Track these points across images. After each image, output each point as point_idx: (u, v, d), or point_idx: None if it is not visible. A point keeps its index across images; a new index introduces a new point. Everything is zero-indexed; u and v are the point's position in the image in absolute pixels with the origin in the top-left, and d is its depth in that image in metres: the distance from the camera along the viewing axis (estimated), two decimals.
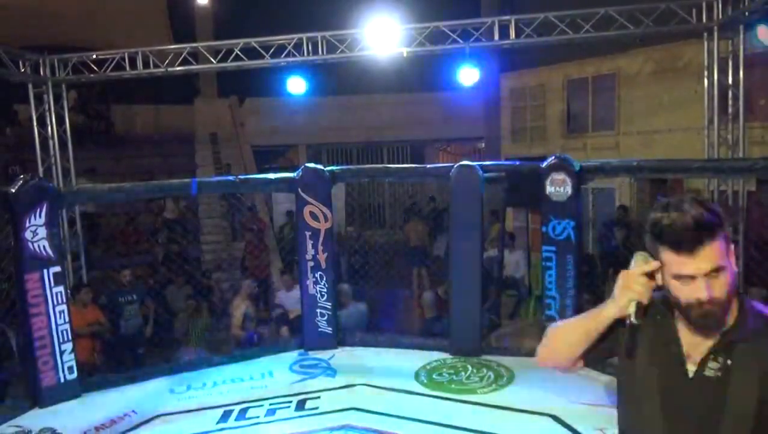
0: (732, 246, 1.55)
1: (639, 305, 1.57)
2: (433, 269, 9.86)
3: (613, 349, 1.70)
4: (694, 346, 1.56)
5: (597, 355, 1.73)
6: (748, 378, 1.49)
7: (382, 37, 7.46)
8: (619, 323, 1.62)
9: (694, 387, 1.55)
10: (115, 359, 7.27)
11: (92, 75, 7.93)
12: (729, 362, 1.51)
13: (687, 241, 1.47)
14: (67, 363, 5.03)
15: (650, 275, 1.57)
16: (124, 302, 7.44)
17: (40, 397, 4.93)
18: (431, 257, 10.63)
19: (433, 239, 11.30)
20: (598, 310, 1.66)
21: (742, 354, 1.51)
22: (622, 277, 1.60)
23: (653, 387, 1.61)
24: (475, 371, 5.28)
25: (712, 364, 1.53)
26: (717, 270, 1.48)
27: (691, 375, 1.56)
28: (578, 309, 5.58)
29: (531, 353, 5.38)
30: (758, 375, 1.48)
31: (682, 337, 1.59)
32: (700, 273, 1.47)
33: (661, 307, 1.61)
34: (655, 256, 1.55)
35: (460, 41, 7.33)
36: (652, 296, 1.58)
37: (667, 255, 1.51)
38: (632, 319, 1.57)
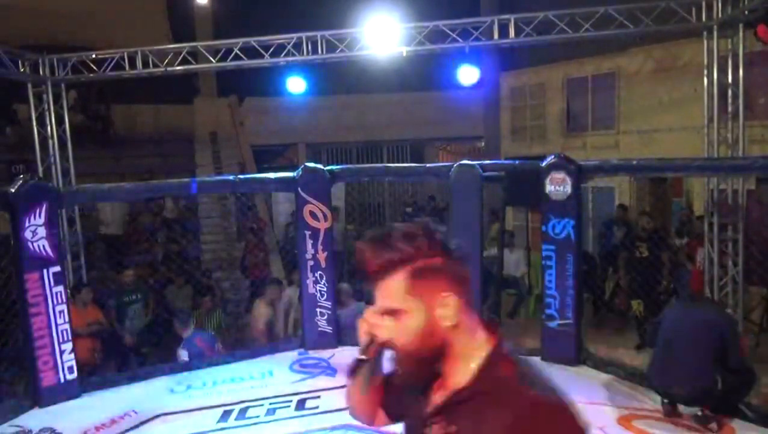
0: (439, 289, 1.24)
1: (370, 337, 1.38)
2: None
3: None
4: (433, 405, 1.34)
5: (397, 411, 1.50)
6: None
7: (382, 37, 7.45)
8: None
9: None
10: (116, 359, 7.26)
11: (92, 75, 7.90)
12: (453, 428, 1.27)
13: (366, 275, 1.29)
14: (67, 362, 5.04)
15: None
16: (128, 302, 7.45)
17: (40, 397, 4.94)
18: None
19: None
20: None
21: (464, 418, 1.25)
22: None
23: None
24: None
25: (436, 428, 1.29)
26: (390, 312, 1.26)
27: None
28: (578, 308, 5.59)
29: (531, 352, 5.41)
30: None
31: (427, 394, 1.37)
32: (378, 312, 1.29)
33: None
34: None
35: (460, 40, 7.32)
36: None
37: None
38: (361, 355, 1.40)
